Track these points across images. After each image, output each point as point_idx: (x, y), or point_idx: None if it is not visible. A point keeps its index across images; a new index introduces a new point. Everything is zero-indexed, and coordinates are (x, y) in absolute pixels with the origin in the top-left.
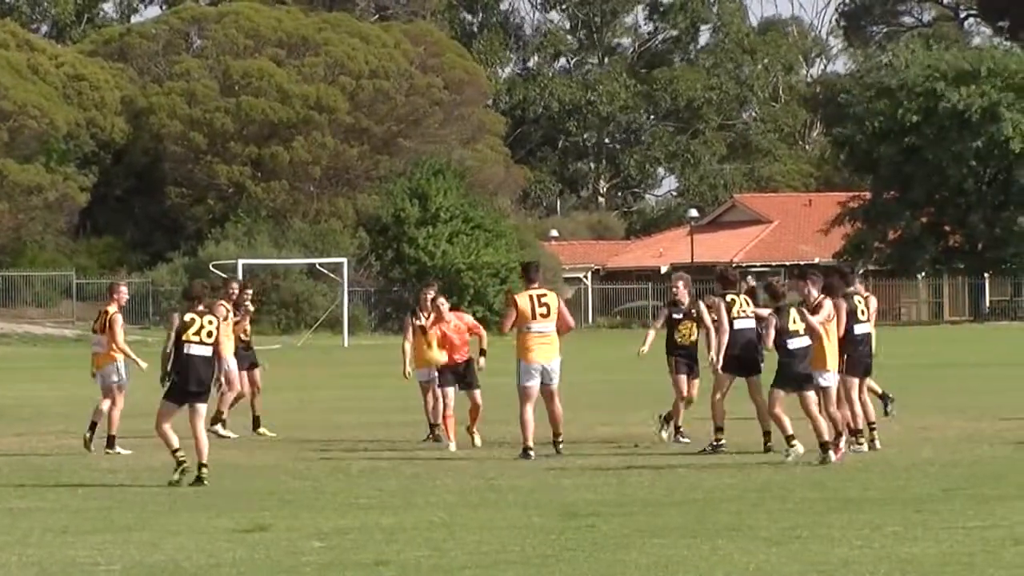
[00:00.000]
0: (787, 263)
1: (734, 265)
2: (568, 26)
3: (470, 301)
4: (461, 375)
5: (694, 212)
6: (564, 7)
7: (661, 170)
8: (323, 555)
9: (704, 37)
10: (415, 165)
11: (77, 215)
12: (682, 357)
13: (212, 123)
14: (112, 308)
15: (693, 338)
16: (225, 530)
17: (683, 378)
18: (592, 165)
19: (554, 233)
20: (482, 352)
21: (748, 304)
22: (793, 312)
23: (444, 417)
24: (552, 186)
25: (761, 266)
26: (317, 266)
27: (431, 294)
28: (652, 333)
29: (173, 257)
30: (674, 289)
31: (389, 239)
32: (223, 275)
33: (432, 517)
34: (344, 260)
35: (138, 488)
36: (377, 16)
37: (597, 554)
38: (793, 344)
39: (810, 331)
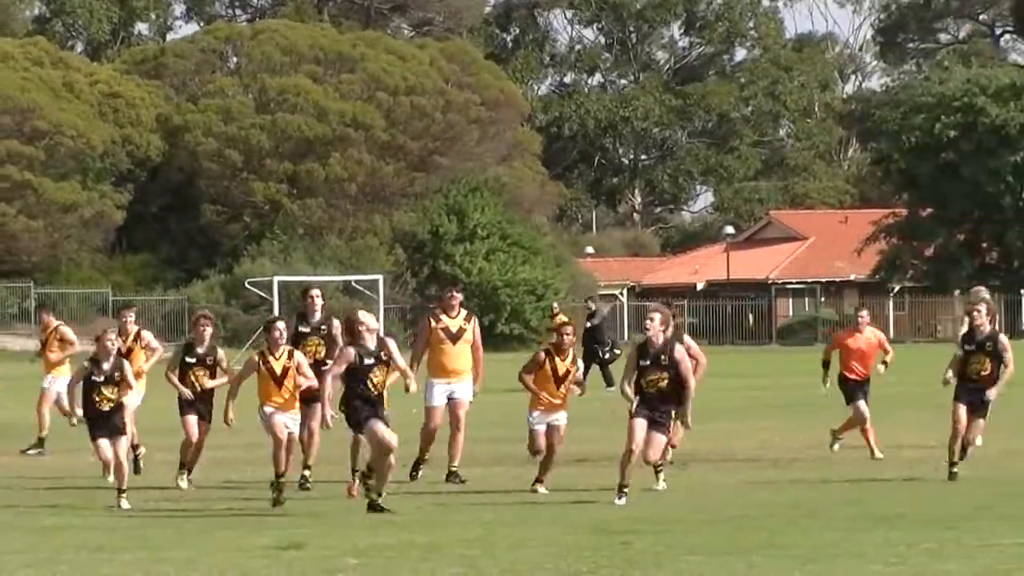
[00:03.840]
0: (823, 280)
1: (769, 281)
2: (603, 42)
3: (507, 318)
4: None
5: (730, 229)
6: (599, 24)
7: (696, 186)
8: (359, 572)
9: (740, 53)
10: (452, 182)
11: (113, 233)
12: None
13: (248, 140)
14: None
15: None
16: (261, 548)
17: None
18: (627, 181)
19: (590, 250)
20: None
21: None
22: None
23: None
24: (588, 203)
25: (796, 283)
26: (353, 283)
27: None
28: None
29: (209, 275)
30: (647, 326)
31: (425, 256)
32: (259, 292)
33: (468, 535)
34: (380, 277)
35: (173, 506)
36: (413, 34)
37: (631, 571)
38: None
39: None
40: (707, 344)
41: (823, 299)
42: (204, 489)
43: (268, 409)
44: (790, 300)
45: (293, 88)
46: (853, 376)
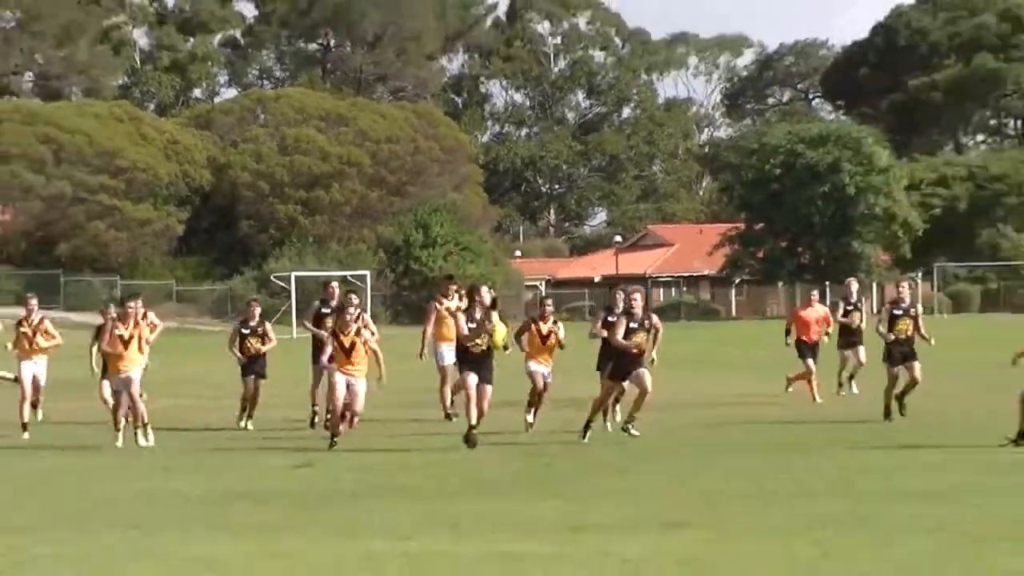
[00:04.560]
0: (685, 275)
1: (647, 275)
2: (528, 103)
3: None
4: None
5: (618, 238)
6: (526, 90)
7: (595, 208)
8: (353, 484)
9: (626, 111)
10: (419, 204)
11: (176, 241)
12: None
13: (273, 175)
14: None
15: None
16: (282, 467)
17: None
18: (545, 204)
19: (518, 253)
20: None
21: None
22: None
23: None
24: (517, 219)
25: (666, 277)
26: (348, 277)
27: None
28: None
29: (245, 271)
30: (633, 300)
31: (400, 258)
32: (281, 284)
33: (431, 459)
34: (367, 273)
35: (224, 436)
36: (391, 98)
37: (552, 484)
38: None
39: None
40: None
41: (685, 288)
42: (243, 430)
43: (337, 375)
44: (661, 289)
45: (305, 137)
46: (806, 340)
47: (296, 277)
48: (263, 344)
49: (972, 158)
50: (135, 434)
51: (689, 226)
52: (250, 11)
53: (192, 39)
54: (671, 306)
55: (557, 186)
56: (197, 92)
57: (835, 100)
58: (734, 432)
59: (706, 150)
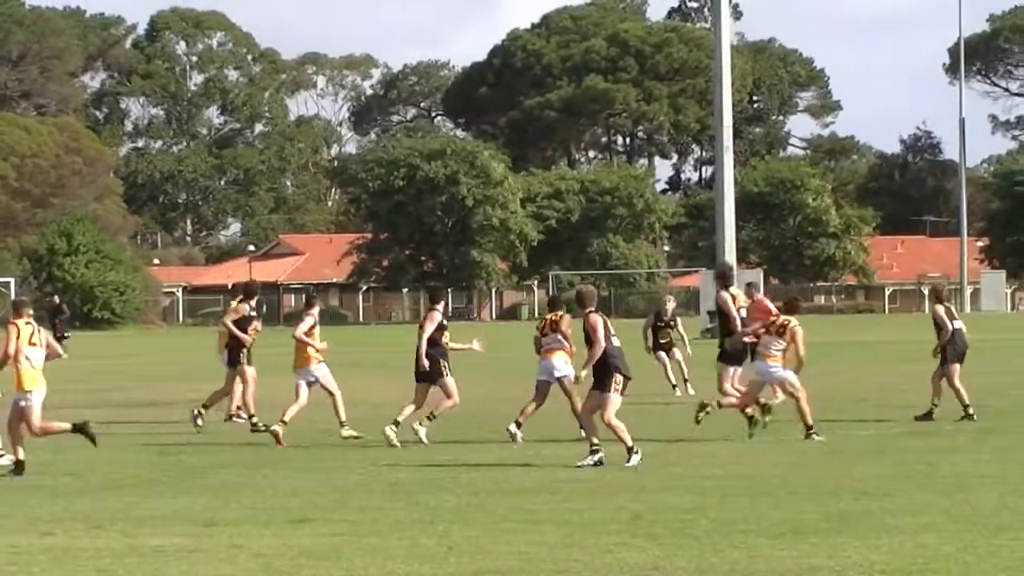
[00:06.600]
0: (315, 282)
1: (279, 283)
2: (165, 118)
3: (100, 307)
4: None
5: (252, 247)
6: (163, 107)
7: (229, 218)
8: (55, 480)
9: (259, 127)
10: (63, 215)
11: None
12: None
13: None
14: None
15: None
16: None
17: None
18: (182, 215)
19: (156, 261)
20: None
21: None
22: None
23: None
24: (155, 228)
25: (297, 284)
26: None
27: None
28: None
29: None
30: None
31: (44, 265)
32: None
33: (74, 455)
34: (12, 280)
35: None
36: (35, 113)
37: (184, 481)
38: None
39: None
40: None
41: (315, 294)
42: None
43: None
44: (293, 295)
45: None
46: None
47: None
48: None
49: (584, 172)
50: None
51: (319, 236)
52: None
53: None
54: (298, 313)
55: (193, 198)
56: None
57: (456, 118)
58: (372, 429)
59: (335, 164)
